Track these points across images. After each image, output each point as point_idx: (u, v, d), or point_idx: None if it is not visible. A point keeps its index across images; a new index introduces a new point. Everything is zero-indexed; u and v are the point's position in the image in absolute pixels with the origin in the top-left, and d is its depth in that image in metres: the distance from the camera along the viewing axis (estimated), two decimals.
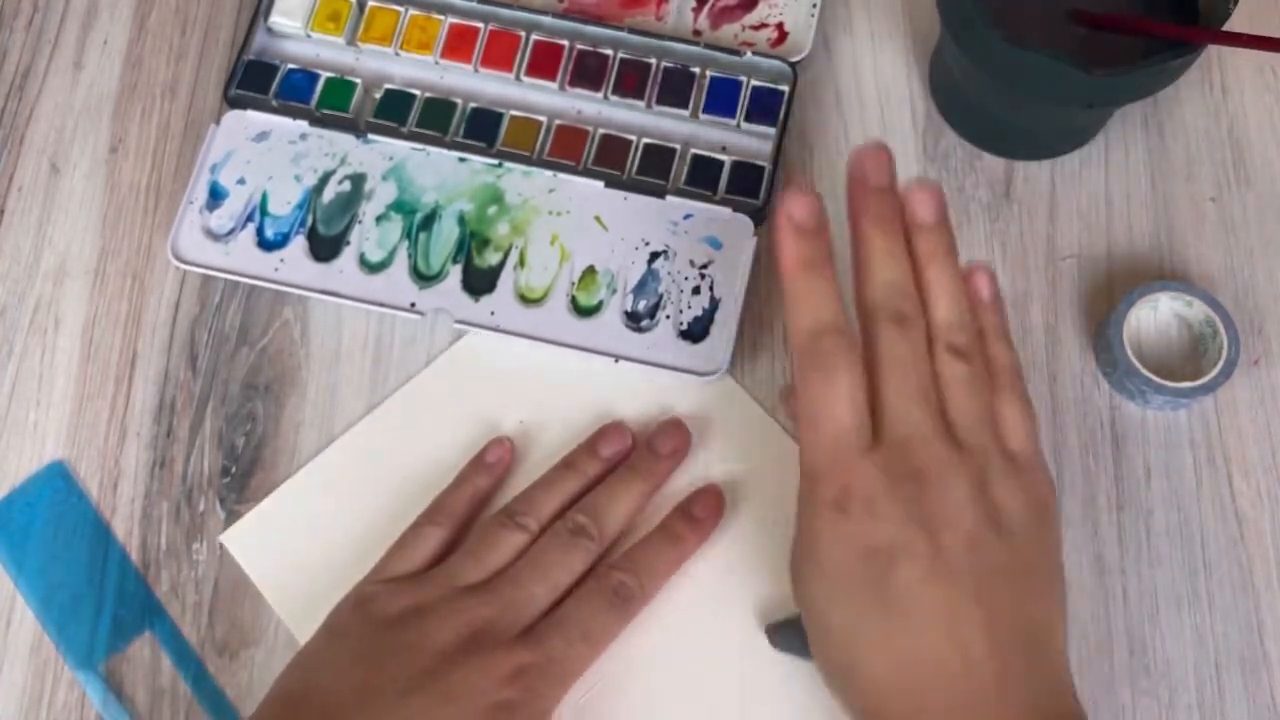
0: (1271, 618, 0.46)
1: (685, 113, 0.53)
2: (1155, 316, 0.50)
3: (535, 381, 0.49)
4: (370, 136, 0.53)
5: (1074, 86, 0.45)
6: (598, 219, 0.51)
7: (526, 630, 0.42)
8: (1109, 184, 0.52)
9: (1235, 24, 0.45)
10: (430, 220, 0.51)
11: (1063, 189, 0.52)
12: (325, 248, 0.51)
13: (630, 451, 0.47)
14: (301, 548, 0.47)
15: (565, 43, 0.54)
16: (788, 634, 0.44)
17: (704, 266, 0.50)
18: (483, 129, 0.53)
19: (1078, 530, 0.47)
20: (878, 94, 0.54)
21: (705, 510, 0.46)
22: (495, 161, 0.52)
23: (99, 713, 0.45)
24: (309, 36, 0.54)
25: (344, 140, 0.52)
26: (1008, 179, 0.53)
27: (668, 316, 0.49)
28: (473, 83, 0.54)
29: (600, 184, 0.51)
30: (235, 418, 0.49)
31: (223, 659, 0.46)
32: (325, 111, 0.53)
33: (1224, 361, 0.47)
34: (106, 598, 0.47)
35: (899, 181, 0.40)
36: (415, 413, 0.49)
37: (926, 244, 0.40)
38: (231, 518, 0.48)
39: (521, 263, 0.50)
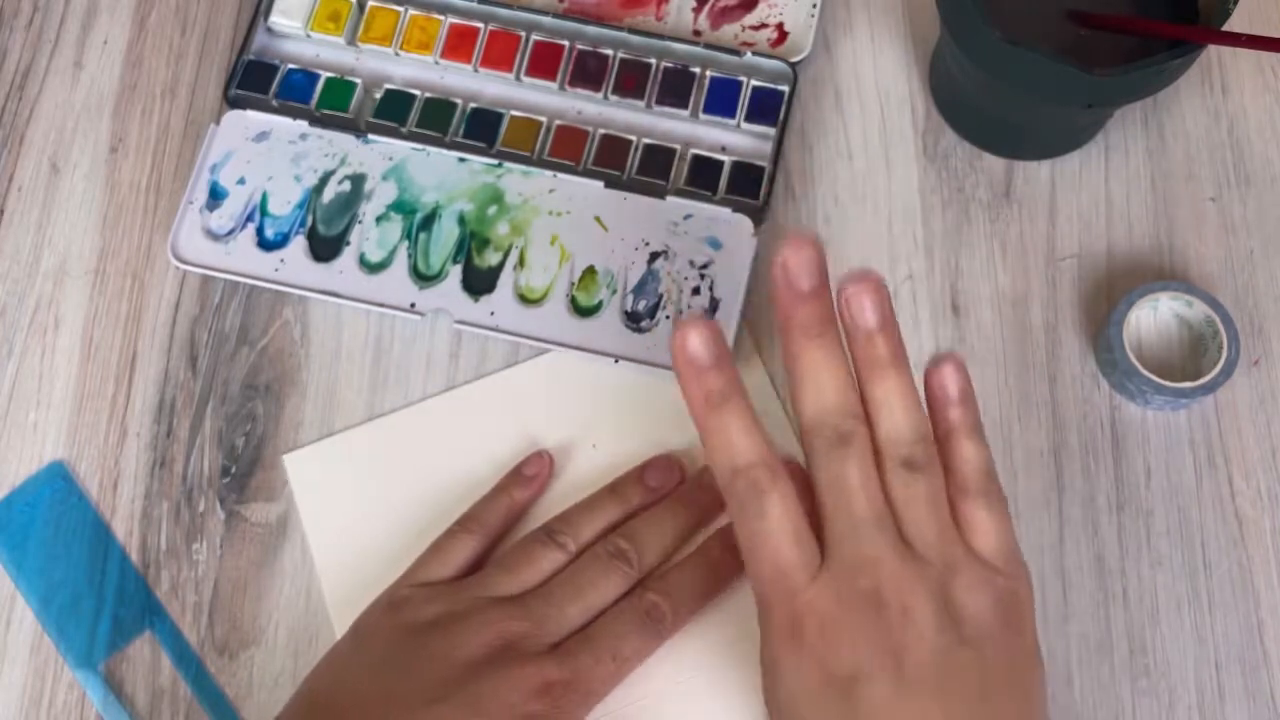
0: (1271, 618, 0.46)
1: (685, 113, 0.53)
2: (1155, 316, 0.50)
3: (619, 410, 0.49)
4: (370, 136, 0.53)
5: (1074, 86, 0.45)
6: (598, 219, 0.51)
7: (555, 646, 0.42)
8: (1109, 184, 0.52)
9: (1235, 24, 0.45)
10: (430, 220, 0.51)
11: (1063, 189, 0.52)
12: (325, 248, 0.51)
13: (677, 485, 0.47)
14: (351, 492, 0.48)
15: (565, 43, 0.54)
16: None
17: (704, 266, 0.50)
18: (483, 129, 0.53)
19: (1078, 530, 0.47)
20: (878, 94, 0.54)
21: None
22: (495, 161, 0.52)
23: (99, 713, 0.45)
24: (309, 36, 0.54)
25: (344, 140, 0.52)
26: (1008, 179, 0.53)
27: (668, 316, 0.49)
28: (473, 83, 0.54)
29: (600, 184, 0.51)
30: (235, 418, 0.49)
31: (223, 659, 0.46)
32: (325, 111, 0.53)
33: (1224, 361, 0.47)
34: (106, 598, 0.47)
35: (834, 272, 0.37)
36: (498, 402, 0.49)
37: (867, 351, 0.37)
38: (232, 518, 0.48)
39: (521, 263, 0.50)
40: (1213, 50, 0.54)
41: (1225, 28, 0.44)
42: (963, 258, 0.51)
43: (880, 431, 0.37)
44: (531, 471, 0.47)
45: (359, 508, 0.47)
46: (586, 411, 0.49)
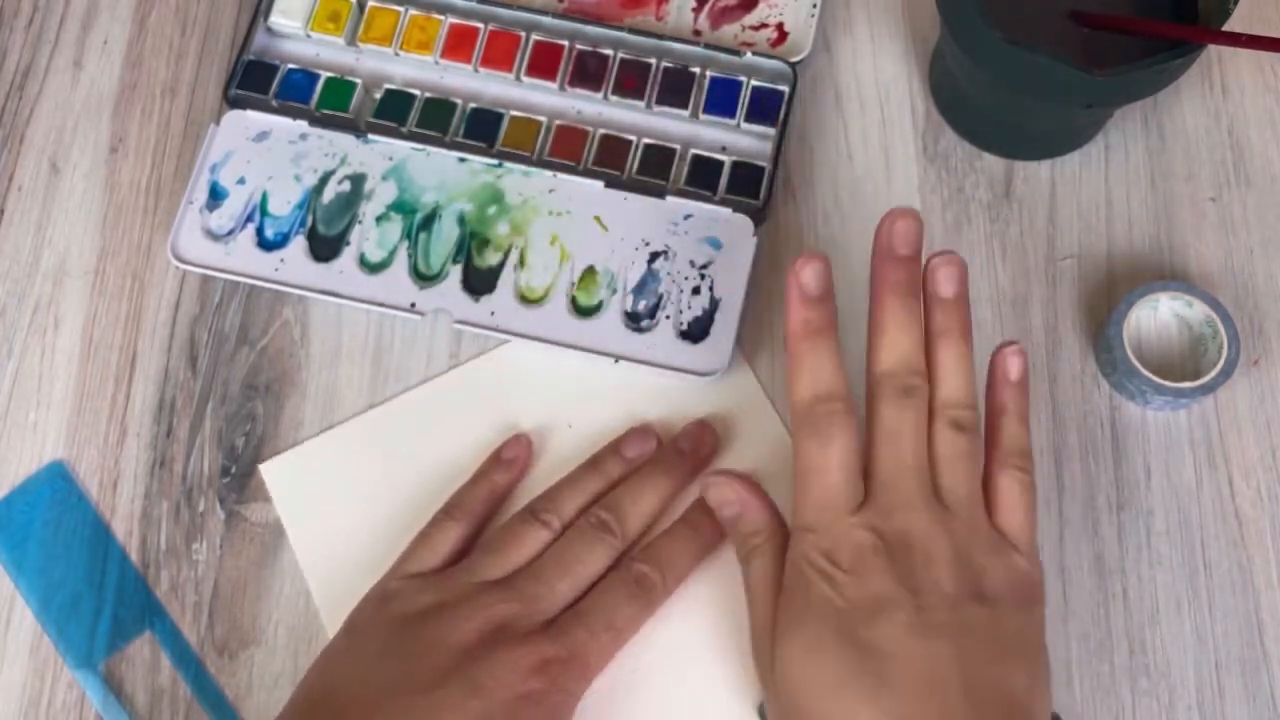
0: (1271, 618, 0.46)
1: (685, 113, 0.53)
2: (1155, 316, 0.50)
3: (588, 389, 0.49)
4: (370, 136, 0.53)
5: (1074, 86, 0.45)
6: (598, 219, 0.51)
7: (549, 624, 0.42)
8: (1109, 184, 0.52)
9: (1235, 24, 0.45)
10: (430, 220, 0.51)
11: (1063, 189, 0.52)
12: (325, 248, 0.51)
13: (654, 454, 0.47)
14: (332, 494, 0.48)
15: (565, 43, 0.54)
16: None
17: (704, 266, 0.50)
18: (483, 129, 0.53)
19: (1078, 530, 0.47)
20: (878, 94, 0.54)
21: None
22: (495, 161, 0.52)
23: (99, 713, 0.45)
24: (309, 36, 0.54)
25: (344, 140, 0.52)
26: (1008, 179, 0.53)
27: (668, 317, 0.49)
28: (473, 83, 0.54)
29: (600, 184, 0.51)
30: (235, 418, 0.49)
31: (223, 659, 0.46)
32: (325, 111, 0.53)
33: (1224, 361, 0.47)
34: (106, 598, 0.47)
35: (923, 243, 0.41)
36: (470, 393, 0.49)
37: (942, 319, 0.41)
38: (231, 518, 0.48)
39: (521, 263, 0.50)
40: (1213, 50, 0.54)
41: (1225, 28, 0.44)
42: (962, 258, 0.51)
43: (938, 392, 0.40)
44: (511, 455, 0.47)
45: (341, 507, 0.47)
46: (558, 393, 0.49)
